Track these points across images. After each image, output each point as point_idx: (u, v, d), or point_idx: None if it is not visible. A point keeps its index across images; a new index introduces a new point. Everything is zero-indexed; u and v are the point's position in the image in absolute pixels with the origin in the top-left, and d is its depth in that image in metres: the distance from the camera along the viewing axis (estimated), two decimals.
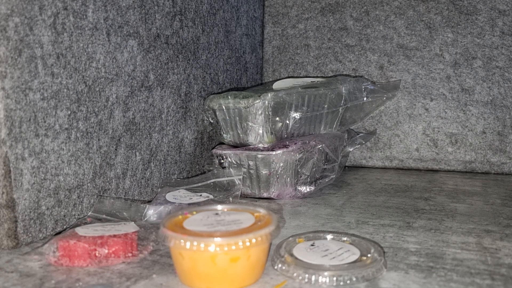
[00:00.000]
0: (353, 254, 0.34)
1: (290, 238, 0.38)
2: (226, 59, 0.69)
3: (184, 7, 0.59)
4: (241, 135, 0.57)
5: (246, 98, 0.55)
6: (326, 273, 0.31)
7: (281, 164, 0.54)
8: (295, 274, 0.32)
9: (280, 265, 0.33)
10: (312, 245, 0.36)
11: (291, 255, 0.34)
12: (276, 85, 0.61)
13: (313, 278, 0.31)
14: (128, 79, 0.49)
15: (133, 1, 0.50)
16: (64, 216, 0.43)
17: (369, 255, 0.34)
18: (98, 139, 0.46)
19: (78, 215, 0.44)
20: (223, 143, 0.62)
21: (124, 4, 0.48)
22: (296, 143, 0.56)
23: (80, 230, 0.38)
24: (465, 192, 0.59)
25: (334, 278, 0.31)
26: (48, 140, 0.40)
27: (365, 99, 0.64)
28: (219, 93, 0.65)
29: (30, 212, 0.39)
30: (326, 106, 0.60)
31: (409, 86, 0.74)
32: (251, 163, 0.55)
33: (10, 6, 0.37)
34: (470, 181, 0.66)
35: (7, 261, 0.36)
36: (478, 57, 0.70)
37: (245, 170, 0.55)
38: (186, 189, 0.52)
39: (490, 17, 0.69)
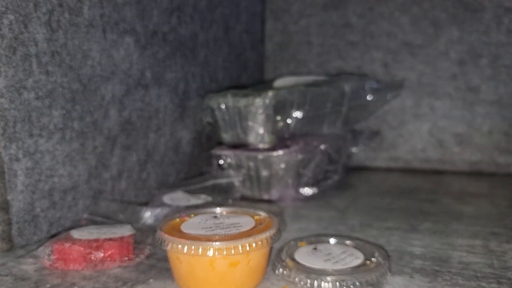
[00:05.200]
0: (357, 258, 0.34)
1: (292, 242, 0.37)
2: (225, 57, 0.68)
3: (182, 3, 0.58)
4: (241, 135, 0.57)
5: (246, 96, 0.54)
6: (328, 278, 0.31)
7: (282, 165, 0.53)
8: (296, 279, 0.31)
9: (281, 270, 0.33)
10: (314, 248, 0.35)
11: (293, 259, 0.34)
12: (277, 83, 0.61)
13: (315, 283, 0.31)
14: (124, 77, 0.49)
15: None
16: (59, 218, 0.42)
17: (373, 259, 0.33)
18: (94, 139, 0.45)
19: (73, 217, 0.44)
20: (222, 144, 0.62)
21: (120, 0, 0.48)
22: (298, 144, 0.55)
23: (75, 233, 0.37)
24: (471, 194, 0.58)
25: (337, 283, 0.30)
26: (42, 140, 0.40)
27: (369, 98, 0.63)
28: (218, 91, 0.64)
29: (25, 214, 0.39)
30: (329, 105, 0.59)
31: (414, 85, 0.73)
32: (251, 164, 0.54)
33: (4, 3, 0.36)
34: (476, 182, 0.65)
35: (1, 264, 0.36)
36: (484, 55, 0.69)
37: (245, 171, 0.55)
38: (183, 191, 0.51)
39: (496, 15, 0.68)
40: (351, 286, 0.30)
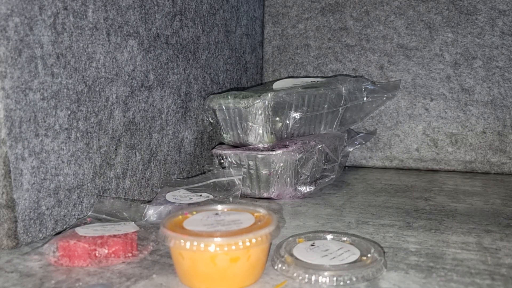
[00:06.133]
0: (353, 254, 0.34)
1: (290, 238, 0.38)
2: (226, 59, 0.69)
3: (184, 7, 0.59)
4: (241, 135, 0.57)
5: (246, 98, 0.55)
6: (326, 273, 0.31)
7: (281, 164, 0.54)
8: (295, 274, 0.32)
9: (280, 265, 0.33)
10: (312, 245, 0.36)
11: (291, 255, 0.34)
12: (276, 85, 0.61)
13: (313, 278, 0.31)
14: (128, 79, 0.49)
15: (133, 1, 0.50)
16: (64, 216, 0.43)
17: (369, 255, 0.34)
18: (98, 139, 0.46)
19: (78, 215, 0.44)
20: (223, 143, 0.62)
21: (124, 4, 0.48)
22: (296, 143, 0.56)
23: (80, 230, 0.38)
24: (465, 192, 0.59)
25: (334, 278, 0.31)
26: (48, 140, 0.40)
27: (365, 99, 0.64)
28: (219, 93, 0.65)
29: (30, 212, 0.39)
30: (326, 106, 0.60)
31: (409, 86, 0.74)
32: (251, 163, 0.55)
33: (10, 6, 0.37)
34: (470, 181, 0.66)
35: (7, 261, 0.36)
36: (478, 57, 0.70)
37: (245, 170, 0.55)
38: (186, 189, 0.52)
39: (490, 17, 0.69)
40: (348, 281, 0.31)
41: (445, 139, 0.72)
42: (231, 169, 0.55)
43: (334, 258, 0.33)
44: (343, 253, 0.34)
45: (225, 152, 0.56)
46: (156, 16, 0.53)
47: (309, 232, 0.42)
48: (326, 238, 0.38)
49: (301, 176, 0.56)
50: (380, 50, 0.74)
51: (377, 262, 0.33)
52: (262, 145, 0.56)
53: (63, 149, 0.42)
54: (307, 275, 0.32)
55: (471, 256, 0.37)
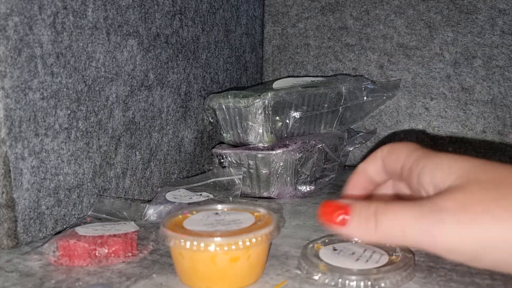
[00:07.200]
0: (381, 254, 0.33)
1: (310, 245, 0.36)
2: (226, 59, 0.69)
3: (184, 6, 0.59)
4: (241, 135, 0.57)
5: (246, 97, 0.55)
6: (379, 277, 0.30)
7: (281, 164, 0.54)
8: (347, 282, 0.30)
9: (319, 275, 0.32)
10: (334, 249, 0.35)
11: (321, 261, 0.33)
12: (276, 85, 0.61)
13: (362, 284, 0.30)
14: (128, 79, 0.50)
15: (132, 1, 0.50)
16: (64, 215, 0.43)
17: (396, 254, 0.34)
18: (98, 139, 0.46)
19: (78, 214, 0.44)
20: (223, 143, 0.62)
21: (123, 4, 0.48)
22: (296, 143, 0.56)
23: (80, 230, 0.38)
24: None
25: (385, 281, 0.30)
26: (48, 139, 0.41)
27: (365, 98, 0.64)
28: (219, 92, 0.65)
29: (30, 211, 0.39)
30: (326, 105, 0.60)
31: (409, 85, 0.74)
32: (251, 162, 0.55)
33: (9, 5, 0.37)
34: None
35: (7, 260, 0.36)
36: (478, 56, 0.70)
37: (245, 169, 0.55)
38: (186, 188, 0.52)
39: (490, 16, 0.69)
40: (399, 283, 0.30)
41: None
42: (231, 169, 0.55)
43: (367, 261, 0.32)
44: (371, 254, 0.33)
45: (225, 151, 0.56)
46: (156, 15, 0.53)
47: (322, 236, 0.40)
48: (343, 241, 0.36)
49: (301, 176, 0.56)
50: (380, 49, 0.74)
51: (409, 259, 0.32)
52: (262, 145, 0.56)
53: (63, 149, 0.42)
54: (362, 283, 0.30)
55: None
